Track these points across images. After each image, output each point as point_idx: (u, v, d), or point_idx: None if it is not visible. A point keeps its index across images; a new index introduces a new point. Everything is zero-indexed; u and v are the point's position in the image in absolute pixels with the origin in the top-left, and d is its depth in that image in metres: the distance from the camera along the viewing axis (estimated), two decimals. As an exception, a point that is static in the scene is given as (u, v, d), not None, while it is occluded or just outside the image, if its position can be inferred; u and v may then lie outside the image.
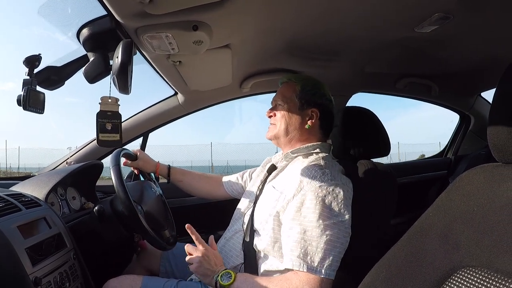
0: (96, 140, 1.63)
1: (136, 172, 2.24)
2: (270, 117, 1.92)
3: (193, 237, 1.65)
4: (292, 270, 1.50)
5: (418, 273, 0.93)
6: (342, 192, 1.55)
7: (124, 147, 2.00)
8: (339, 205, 1.52)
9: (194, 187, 2.34)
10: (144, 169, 2.23)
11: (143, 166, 2.21)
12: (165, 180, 2.29)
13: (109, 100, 1.62)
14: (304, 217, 1.51)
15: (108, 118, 1.62)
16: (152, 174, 2.29)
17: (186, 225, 1.64)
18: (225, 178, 2.36)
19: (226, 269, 1.59)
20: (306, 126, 1.81)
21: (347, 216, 1.53)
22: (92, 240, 1.83)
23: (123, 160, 2.17)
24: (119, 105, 1.65)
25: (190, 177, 2.34)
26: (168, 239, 1.96)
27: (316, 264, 1.45)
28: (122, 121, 1.67)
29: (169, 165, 2.30)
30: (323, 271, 1.44)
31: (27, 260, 1.34)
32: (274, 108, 1.91)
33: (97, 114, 1.61)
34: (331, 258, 1.46)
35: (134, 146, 2.84)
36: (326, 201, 1.51)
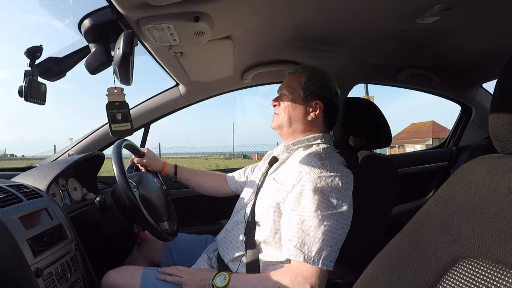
0: (109, 132, 1.64)
1: (143, 170, 2.25)
2: (274, 106, 1.92)
3: (171, 270, 1.73)
4: (290, 261, 1.52)
5: (420, 264, 0.93)
6: (341, 183, 1.56)
7: (126, 137, 2.00)
8: (338, 196, 1.53)
9: (201, 185, 2.36)
10: (150, 167, 2.25)
11: (150, 164, 2.24)
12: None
13: (115, 91, 1.63)
14: (302, 207, 1.52)
15: (116, 109, 1.63)
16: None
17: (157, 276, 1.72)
18: (228, 175, 2.37)
19: (219, 272, 1.62)
20: (309, 118, 1.81)
21: (345, 207, 1.54)
22: (94, 231, 1.84)
23: (131, 155, 2.19)
24: (125, 94, 1.66)
25: (197, 176, 2.37)
26: (169, 229, 1.96)
27: (313, 255, 1.45)
28: (130, 109, 1.68)
29: (175, 164, 2.31)
30: (320, 261, 1.45)
31: (28, 251, 1.34)
32: (279, 97, 1.91)
33: (106, 106, 1.62)
34: (328, 249, 1.47)
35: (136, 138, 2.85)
36: (325, 192, 1.52)
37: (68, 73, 1.71)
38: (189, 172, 2.36)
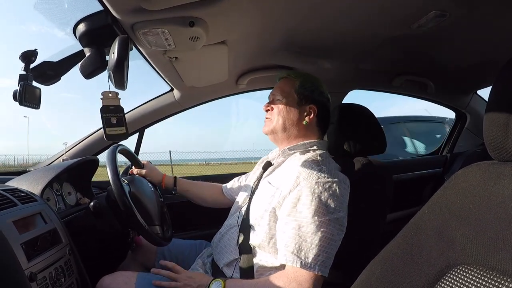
0: (104, 135, 1.63)
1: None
2: (267, 111, 1.91)
3: (169, 266, 1.69)
4: (285, 267, 1.51)
5: (413, 271, 0.93)
6: (338, 189, 1.55)
7: (120, 142, 2.00)
8: (335, 202, 1.52)
9: (201, 197, 2.35)
10: (150, 179, 2.22)
11: (150, 175, 2.22)
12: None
13: (110, 95, 1.62)
14: (300, 213, 1.50)
15: (111, 112, 1.62)
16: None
17: (151, 270, 1.69)
18: (224, 186, 2.37)
19: (214, 279, 1.60)
20: (304, 122, 1.81)
21: (342, 213, 1.53)
22: (88, 236, 1.83)
23: (127, 162, 2.19)
24: (120, 98, 1.65)
25: (196, 187, 2.36)
26: (163, 234, 1.95)
27: (310, 260, 1.44)
28: (125, 113, 1.68)
29: (175, 176, 2.30)
30: (317, 267, 1.44)
31: (22, 256, 1.34)
32: (271, 102, 1.90)
33: (100, 109, 1.61)
34: (325, 255, 1.46)
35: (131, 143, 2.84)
36: (323, 197, 1.50)
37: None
38: (188, 183, 2.34)
